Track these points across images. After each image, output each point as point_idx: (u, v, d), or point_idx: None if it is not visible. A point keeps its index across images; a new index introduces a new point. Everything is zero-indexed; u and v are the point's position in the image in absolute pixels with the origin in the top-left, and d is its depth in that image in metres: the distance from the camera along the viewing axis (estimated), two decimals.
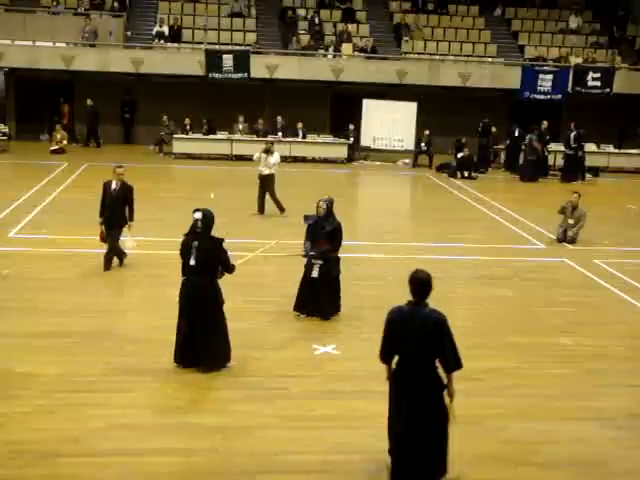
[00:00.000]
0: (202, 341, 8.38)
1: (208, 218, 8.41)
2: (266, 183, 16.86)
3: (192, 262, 8.30)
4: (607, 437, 7.43)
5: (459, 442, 7.10)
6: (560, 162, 25.60)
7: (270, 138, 21.14)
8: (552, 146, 25.67)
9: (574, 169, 24.32)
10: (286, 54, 28.04)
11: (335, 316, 10.32)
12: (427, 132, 25.91)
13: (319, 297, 10.16)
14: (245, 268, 12.52)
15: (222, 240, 8.45)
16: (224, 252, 8.47)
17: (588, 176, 24.73)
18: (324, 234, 10.10)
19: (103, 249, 12.80)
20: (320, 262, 10.09)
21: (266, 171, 16.75)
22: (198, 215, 8.37)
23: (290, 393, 8.04)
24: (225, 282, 11.74)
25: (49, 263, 12.41)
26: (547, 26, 31.22)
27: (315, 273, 10.10)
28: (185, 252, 8.39)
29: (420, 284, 6.18)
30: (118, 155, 25.13)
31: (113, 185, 12.18)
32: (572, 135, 24.22)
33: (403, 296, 11.88)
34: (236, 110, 26.15)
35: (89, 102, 26.74)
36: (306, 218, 10.79)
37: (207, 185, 19.80)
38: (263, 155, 16.75)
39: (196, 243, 8.31)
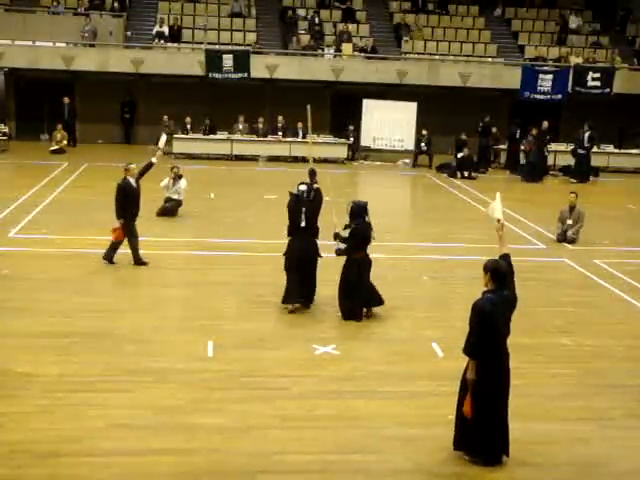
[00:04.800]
0: (308, 286, 10.53)
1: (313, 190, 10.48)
2: (175, 209, 16.24)
3: (303, 224, 10.31)
4: (607, 437, 7.43)
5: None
6: (560, 162, 25.60)
7: (271, 138, 20.90)
8: (552, 146, 25.66)
9: (588, 169, 24.35)
10: (286, 54, 28.03)
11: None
12: (425, 132, 25.89)
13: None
14: (245, 268, 12.58)
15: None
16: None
17: None
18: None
19: (102, 249, 12.82)
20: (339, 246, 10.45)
21: (175, 196, 16.19)
22: (303, 187, 10.44)
23: (290, 393, 8.03)
24: (226, 282, 11.80)
25: (49, 263, 12.40)
26: (547, 26, 31.22)
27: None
28: (295, 215, 10.36)
29: (505, 273, 6.66)
30: (118, 155, 25.13)
31: (133, 183, 12.49)
32: (586, 135, 24.20)
33: (403, 296, 11.90)
34: (236, 110, 26.15)
35: (66, 100, 26.69)
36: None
37: (207, 185, 19.79)
38: (171, 181, 16.17)
39: (304, 209, 10.28)
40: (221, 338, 9.41)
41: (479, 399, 6.58)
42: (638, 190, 23.30)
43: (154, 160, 12.82)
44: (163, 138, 13.86)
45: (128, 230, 12.41)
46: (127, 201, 12.39)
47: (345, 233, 10.40)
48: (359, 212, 10.25)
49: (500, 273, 6.62)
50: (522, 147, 24.56)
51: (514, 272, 6.83)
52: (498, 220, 7.18)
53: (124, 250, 13.26)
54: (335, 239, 10.45)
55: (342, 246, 10.31)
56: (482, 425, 6.61)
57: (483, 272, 6.67)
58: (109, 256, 12.46)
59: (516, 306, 6.74)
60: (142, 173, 12.69)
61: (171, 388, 8.02)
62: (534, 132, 24.24)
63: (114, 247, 12.48)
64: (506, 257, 6.87)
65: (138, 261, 12.47)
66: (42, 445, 6.74)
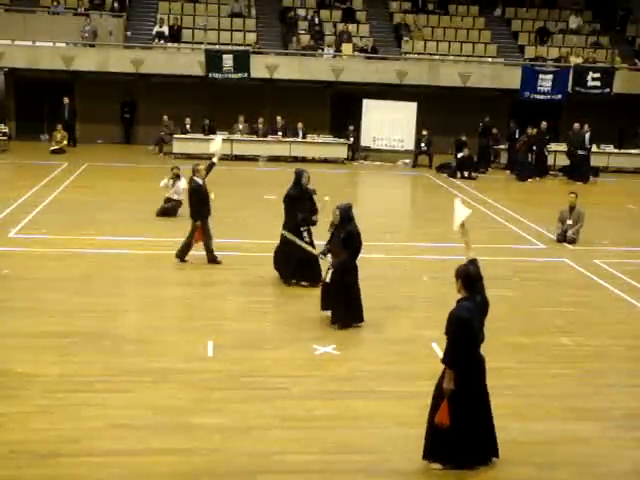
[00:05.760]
0: None
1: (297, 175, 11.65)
2: (174, 210, 16.13)
3: None
4: (607, 437, 7.43)
5: None
6: (560, 162, 25.58)
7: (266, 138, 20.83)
8: (552, 146, 25.66)
9: (588, 170, 24.34)
10: (286, 54, 28.02)
11: (350, 327, 9.97)
12: (425, 132, 25.91)
13: (332, 302, 10.07)
14: (246, 269, 12.58)
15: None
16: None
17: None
18: (339, 241, 9.97)
19: (101, 249, 12.80)
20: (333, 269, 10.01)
21: (175, 197, 16.13)
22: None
23: (290, 393, 8.04)
24: (226, 282, 11.80)
25: (49, 263, 12.40)
26: (547, 26, 31.20)
27: (328, 278, 10.02)
28: None
29: (476, 278, 6.56)
30: (118, 155, 25.20)
31: (201, 182, 12.63)
32: (587, 135, 24.17)
33: (403, 296, 11.88)
34: (236, 110, 26.14)
35: (66, 100, 26.65)
36: (331, 224, 10.86)
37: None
38: (170, 181, 16.09)
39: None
40: (221, 338, 9.41)
41: (457, 407, 6.44)
42: (638, 190, 23.31)
43: (215, 160, 12.97)
44: (218, 141, 13.52)
45: (203, 230, 12.50)
46: (200, 202, 12.51)
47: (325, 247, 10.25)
48: (348, 215, 9.96)
49: (471, 279, 6.52)
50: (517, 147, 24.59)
51: (482, 277, 6.71)
52: (461, 226, 7.01)
53: (121, 250, 13.28)
54: (323, 257, 10.27)
55: (329, 258, 10.08)
56: (460, 433, 6.49)
57: (455, 278, 6.56)
58: (211, 257, 12.63)
59: (488, 310, 6.64)
60: (206, 174, 12.78)
61: (171, 388, 8.03)
62: (529, 131, 24.23)
63: (187, 248, 12.64)
64: (474, 262, 6.73)
65: (213, 260, 12.63)
66: (42, 445, 6.74)
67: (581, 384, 8.64)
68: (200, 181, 12.61)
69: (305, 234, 11.45)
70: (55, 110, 26.61)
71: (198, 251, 13.41)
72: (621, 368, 9.17)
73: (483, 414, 6.64)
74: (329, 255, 10.14)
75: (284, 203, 11.72)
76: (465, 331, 6.38)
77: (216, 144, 13.32)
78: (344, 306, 9.97)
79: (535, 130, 24.31)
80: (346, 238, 9.89)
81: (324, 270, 10.51)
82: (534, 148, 24.23)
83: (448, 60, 28.70)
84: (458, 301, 6.54)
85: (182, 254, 12.67)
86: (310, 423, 7.41)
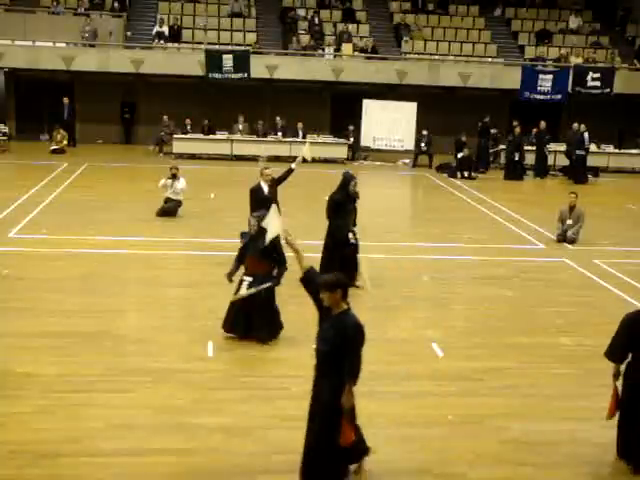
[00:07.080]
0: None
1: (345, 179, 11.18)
2: (174, 210, 16.14)
3: None
4: (607, 437, 7.42)
5: (459, 442, 7.12)
6: (560, 162, 25.60)
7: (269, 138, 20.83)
8: (552, 146, 25.67)
9: (585, 170, 24.38)
10: (286, 54, 28.03)
11: (275, 340, 9.37)
12: (425, 132, 25.92)
13: (253, 319, 9.33)
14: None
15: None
16: None
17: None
18: (258, 251, 9.25)
19: (102, 249, 12.77)
20: (250, 279, 9.30)
21: (174, 197, 16.14)
22: None
23: (290, 393, 8.02)
24: (226, 282, 11.76)
25: (49, 263, 12.39)
26: (547, 26, 31.22)
27: (244, 292, 9.24)
28: None
29: None
30: (118, 155, 25.20)
31: (265, 189, 12.52)
32: (586, 136, 24.19)
33: (403, 296, 11.86)
34: (236, 110, 26.15)
35: (65, 100, 26.62)
36: (242, 235, 10.48)
37: (207, 185, 19.79)
38: (169, 181, 16.05)
39: None
40: (221, 338, 9.40)
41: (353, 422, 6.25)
42: (638, 190, 23.31)
43: (293, 166, 12.82)
44: (306, 148, 13.09)
45: None
46: (256, 205, 12.27)
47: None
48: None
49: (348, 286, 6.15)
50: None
51: None
52: (287, 237, 6.63)
53: (121, 250, 13.28)
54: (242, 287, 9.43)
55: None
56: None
57: (327, 292, 6.01)
58: None
59: None
60: (281, 179, 12.67)
61: (171, 388, 8.02)
62: (516, 131, 24.22)
63: None
64: (312, 269, 6.39)
65: None
66: (42, 445, 6.74)
67: (581, 384, 8.63)
68: (263, 184, 12.49)
69: (351, 235, 11.42)
70: (55, 110, 26.61)
71: (199, 251, 13.42)
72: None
73: None
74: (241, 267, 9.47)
75: (328, 207, 11.42)
76: (363, 339, 6.13)
77: (306, 149, 13.00)
78: (268, 320, 9.40)
79: (518, 129, 24.27)
80: (270, 249, 9.12)
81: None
82: (525, 148, 24.29)
83: (448, 60, 28.70)
84: (346, 312, 6.16)
85: None
86: None
